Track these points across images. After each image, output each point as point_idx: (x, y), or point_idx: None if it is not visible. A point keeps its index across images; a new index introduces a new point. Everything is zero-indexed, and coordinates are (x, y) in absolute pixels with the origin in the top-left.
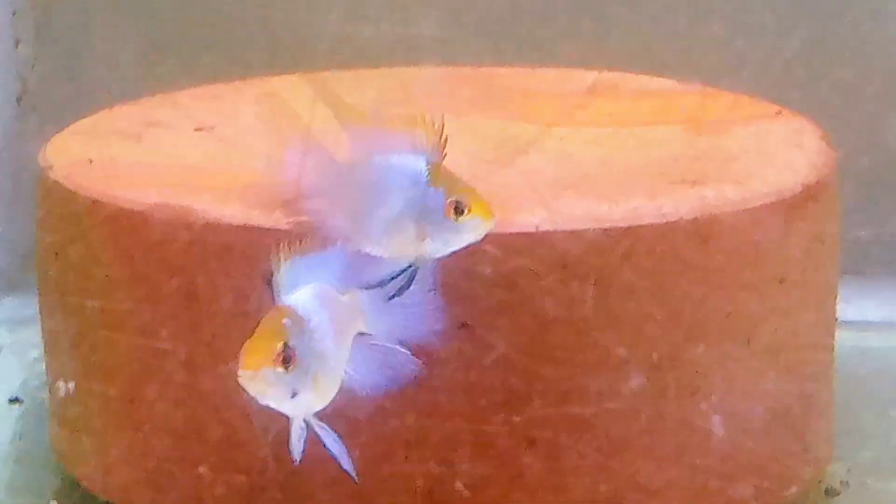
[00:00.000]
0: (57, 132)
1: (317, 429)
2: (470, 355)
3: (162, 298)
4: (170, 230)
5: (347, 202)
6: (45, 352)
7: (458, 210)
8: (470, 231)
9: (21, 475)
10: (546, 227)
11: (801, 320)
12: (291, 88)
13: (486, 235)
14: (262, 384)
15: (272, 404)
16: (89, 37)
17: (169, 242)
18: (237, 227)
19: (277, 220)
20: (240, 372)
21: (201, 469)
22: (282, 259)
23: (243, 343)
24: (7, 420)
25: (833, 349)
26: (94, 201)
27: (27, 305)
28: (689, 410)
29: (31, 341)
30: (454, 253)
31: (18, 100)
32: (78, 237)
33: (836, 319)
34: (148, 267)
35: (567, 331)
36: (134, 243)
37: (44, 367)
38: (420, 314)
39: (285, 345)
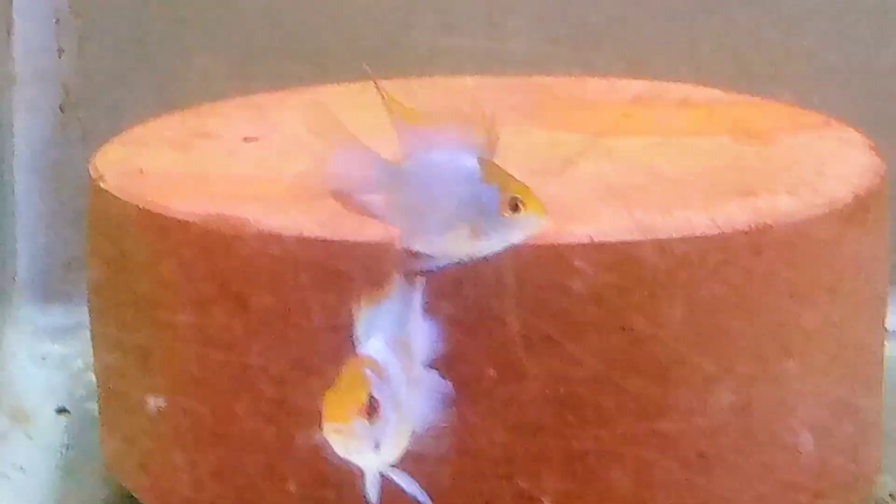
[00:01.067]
0: (103, 142)
1: (391, 475)
2: (559, 371)
3: (252, 314)
4: (257, 245)
5: (400, 201)
6: (113, 365)
7: (514, 206)
8: (525, 228)
9: (71, 486)
10: (604, 238)
11: (853, 331)
12: (336, 97)
13: (539, 233)
14: (349, 437)
15: (354, 457)
16: (133, 45)
17: (257, 257)
18: (314, 239)
19: (352, 231)
20: (325, 424)
21: (290, 485)
22: (360, 308)
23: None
24: (55, 430)
25: (883, 360)
26: (181, 221)
27: (70, 314)
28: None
29: (76, 351)
30: (505, 250)
31: (61, 109)
32: (162, 252)
33: (887, 330)
34: (238, 283)
35: (656, 346)
36: (219, 259)
37: (90, 376)
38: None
39: (370, 396)
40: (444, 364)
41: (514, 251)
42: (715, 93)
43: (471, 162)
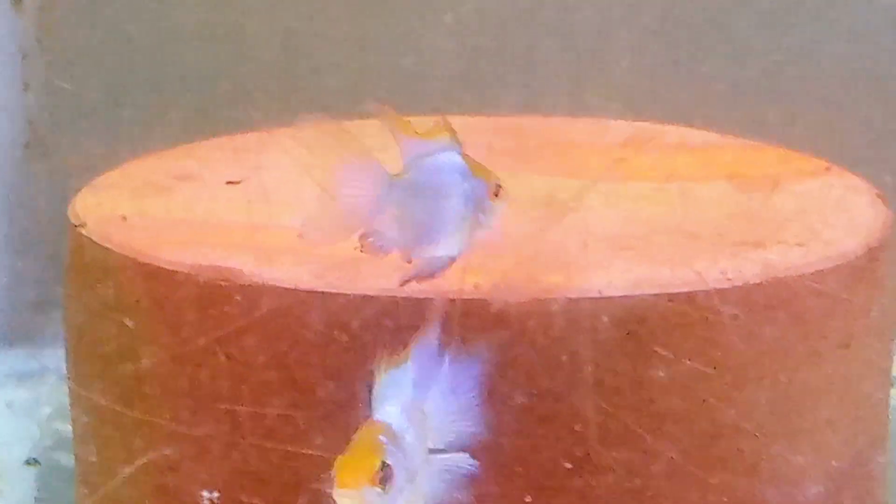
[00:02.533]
0: (69, 180)
1: None
2: (637, 464)
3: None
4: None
5: (407, 212)
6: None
7: (497, 193)
8: (500, 210)
9: None
10: (613, 292)
11: (863, 386)
12: (318, 137)
13: None
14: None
15: None
16: (101, 82)
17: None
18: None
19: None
20: (336, 491)
21: None
22: (380, 371)
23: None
24: (25, 483)
25: (888, 411)
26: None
27: (35, 358)
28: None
29: (42, 398)
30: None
31: (27, 146)
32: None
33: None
34: (301, 370)
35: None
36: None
37: (58, 426)
38: (472, 418)
39: (384, 463)
40: (517, 455)
41: (593, 336)
42: (710, 136)
43: (460, 159)
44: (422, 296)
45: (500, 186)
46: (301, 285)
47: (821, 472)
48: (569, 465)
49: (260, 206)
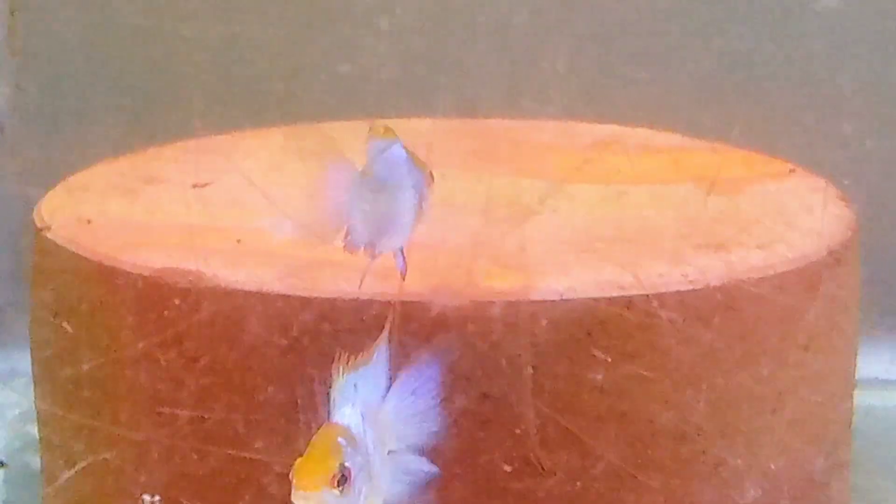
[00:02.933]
0: (38, 182)
1: None
2: (576, 466)
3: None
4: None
5: (373, 206)
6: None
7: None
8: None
9: None
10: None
11: (825, 387)
12: (279, 141)
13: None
14: None
15: None
16: (70, 84)
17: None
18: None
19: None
20: (295, 493)
21: None
22: (340, 375)
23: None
24: None
25: (852, 413)
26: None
27: (2, 359)
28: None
29: (10, 401)
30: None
31: None
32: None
33: (855, 382)
34: (244, 372)
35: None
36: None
37: (27, 428)
38: (430, 420)
39: (342, 465)
40: (458, 457)
41: (532, 340)
42: (675, 138)
43: (405, 152)
44: (361, 298)
45: (432, 175)
46: (240, 288)
47: (758, 473)
48: (509, 468)
49: (224, 209)
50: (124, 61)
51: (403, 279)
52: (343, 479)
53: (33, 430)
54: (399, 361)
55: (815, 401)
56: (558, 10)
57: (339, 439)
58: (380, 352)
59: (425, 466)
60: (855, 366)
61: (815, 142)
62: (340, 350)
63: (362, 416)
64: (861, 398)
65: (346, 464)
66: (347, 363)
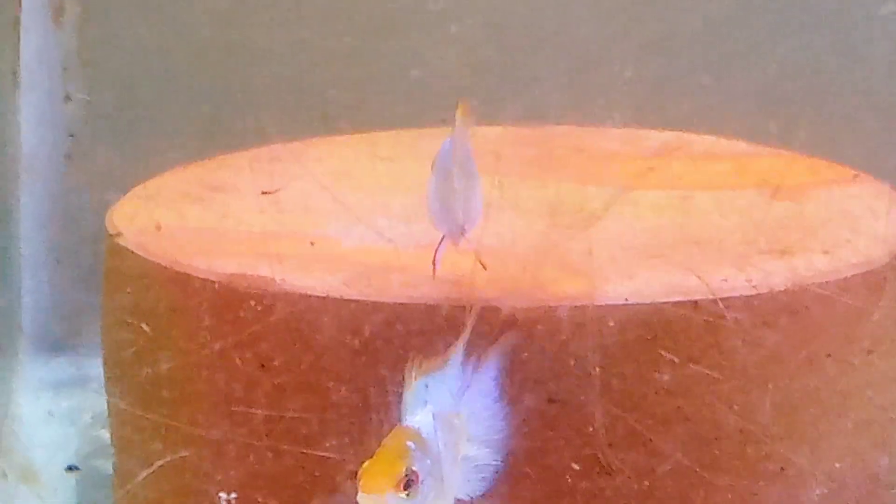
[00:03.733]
0: (109, 191)
1: None
2: (643, 465)
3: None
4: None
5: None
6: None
7: None
8: None
9: None
10: (638, 299)
11: (890, 389)
12: (348, 149)
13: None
14: None
15: None
16: (141, 94)
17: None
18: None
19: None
20: (360, 495)
21: None
22: (412, 378)
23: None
24: (66, 489)
25: None
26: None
27: (76, 366)
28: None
29: (83, 405)
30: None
31: (68, 157)
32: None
33: None
34: (317, 373)
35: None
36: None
37: (99, 432)
38: (501, 421)
39: (409, 469)
40: (527, 457)
41: (599, 342)
42: (740, 145)
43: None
44: (430, 302)
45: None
46: (313, 292)
47: (823, 474)
48: (577, 467)
49: (294, 215)
50: (194, 70)
51: (484, 268)
52: (410, 483)
53: (104, 434)
54: (470, 364)
55: (879, 403)
56: (622, 18)
57: (409, 443)
58: (453, 355)
59: (496, 464)
60: None
61: (879, 148)
62: (413, 353)
63: (434, 419)
64: None
65: (414, 468)
66: (420, 366)
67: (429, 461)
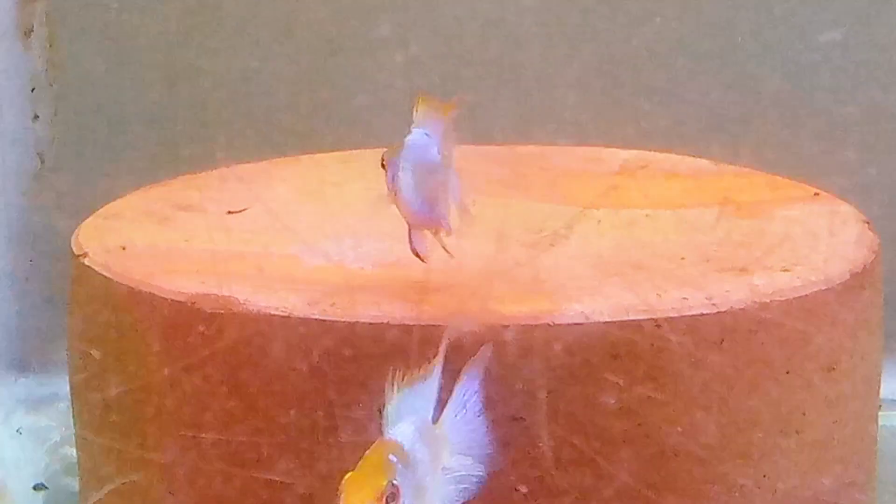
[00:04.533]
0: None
1: None
2: (589, 486)
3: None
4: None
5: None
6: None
7: None
8: None
9: None
10: (598, 318)
11: (849, 408)
12: (320, 167)
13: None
14: None
15: None
16: (108, 112)
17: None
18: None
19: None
20: None
21: None
22: (393, 391)
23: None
24: None
25: (876, 435)
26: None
27: (44, 385)
28: None
29: (51, 424)
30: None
31: (35, 176)
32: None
33: (879, 404)
34: (266, 396)
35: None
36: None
37: (65, 451)
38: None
39: (391, 482)
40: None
41: (546, 363)
42: (702, 163)
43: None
44: (380, 322)
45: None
46: (264, 312)
47: (771, 493)
48: (524, 489)
49: (256, 235)
50: (158, 91)
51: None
52: (392, 497)
53: (72, 452)
54: (450, 376)
55: (838, 422)
56: (567, 44)
57: (391, 456)
58: (433, 367)
59: (478, 475)
60: (879, 387)
61: (822, 169)
62: (393, 367)
63: (415, 431)
64: (887, 419)
65: (396, 481)
66: (401, 379)
67: (410, 474)
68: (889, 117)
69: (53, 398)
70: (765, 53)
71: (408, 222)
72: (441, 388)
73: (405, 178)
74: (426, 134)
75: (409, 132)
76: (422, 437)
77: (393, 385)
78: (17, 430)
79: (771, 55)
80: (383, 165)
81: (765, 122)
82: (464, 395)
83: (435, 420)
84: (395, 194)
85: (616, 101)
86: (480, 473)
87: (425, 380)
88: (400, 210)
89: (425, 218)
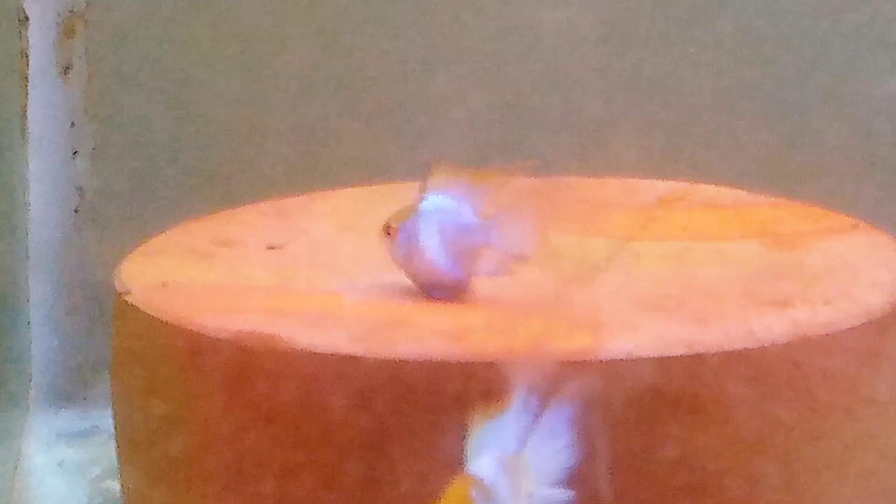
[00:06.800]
0: (117, 245)
1: None
2: None
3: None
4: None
5: None
6: None
7: None
8: None
9: None
10: (642, 353)
11: (892, 443)
12: (360, 200)
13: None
14: None
15: None
16: (148, 148)
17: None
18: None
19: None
20: None
21: None
22: (473, 423)
23: None
24: None
25: None
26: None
27: (85, 418)
28: None
29: (91, 457)
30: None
31: (76, 211)
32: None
33: None
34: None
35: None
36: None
37: (107, 484)
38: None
39: None
40: None
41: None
42: (741, 194)
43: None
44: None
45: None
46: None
47: None
48: None
49: (299, 271)
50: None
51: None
52: None
53: (113, 486)
54: (534, 408)
55: (882, 455)
56: (628, 96)
57: (472, 491)
58: (516, 399)
59: (561, 497)
60: None
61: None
62: (477, 402)
63: (499, 465)
64: None
65: None
66: (482, 412)
67: None
68: None
69: (94, 431)
70: (826, 102)
71: (426, 289)
72: (524, 421)
73: (429, 242)
74: (450, 197)
75: (423, 197)
76: (504, 469)
77: (474, 418)
78: (59, 464)
79: (829, 105)
80: (388, 232)
81: (825, 172)
82: (552, 424)
83: (518, 452)
84: (411, 259)
85: (678, 152)
86: (567, 500)
87: (505, 412)
88: (415, 276)
89: (449, 282)
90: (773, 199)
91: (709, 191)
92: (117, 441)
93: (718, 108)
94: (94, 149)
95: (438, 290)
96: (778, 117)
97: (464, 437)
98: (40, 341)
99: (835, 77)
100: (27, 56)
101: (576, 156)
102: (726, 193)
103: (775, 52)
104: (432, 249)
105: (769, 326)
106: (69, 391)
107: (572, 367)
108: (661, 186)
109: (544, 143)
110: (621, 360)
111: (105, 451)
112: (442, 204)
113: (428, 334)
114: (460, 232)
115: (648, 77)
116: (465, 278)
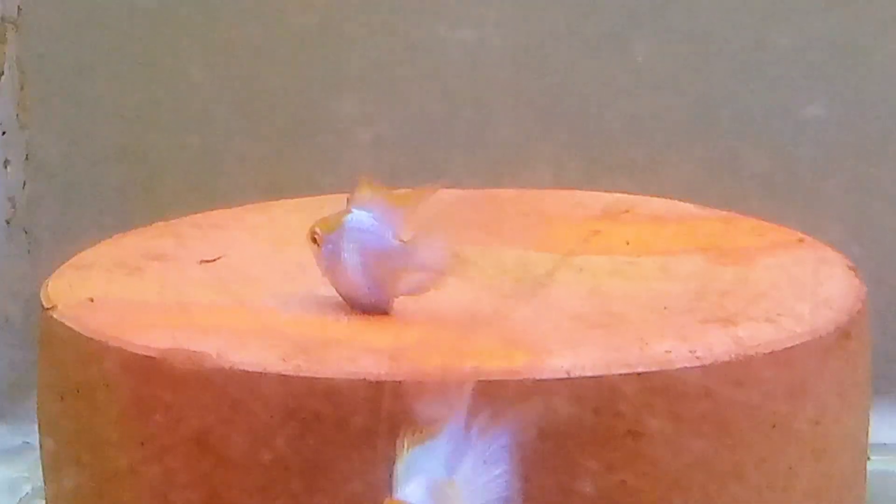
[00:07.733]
0: (56, 262)
1: None
2: None
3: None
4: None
5: None
6: None
7: None
8: None
9: None
10: (579, 373)
11: (837, 460)
12: (291, 213)
13: None
14: None
15: None
16: (80, 159)
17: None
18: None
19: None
20: None
21: None
22: (403, 449)
23: None
24: None
25: (865, 484)
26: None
27: (16, 434)
28: None
29: (23, 474)
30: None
31: (8, 222)
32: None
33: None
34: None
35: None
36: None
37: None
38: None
39: None
40: None
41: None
42: (686, 207)
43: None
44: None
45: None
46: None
47: None
48: None
49: (231, 286)
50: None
51: None
52: None
53: None
54: (467, 433)
55: (826, 474)
56: (541, 119)
57: None
58: (447, 424)
59: None
60: (868, 437)
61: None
62: (405, 426)
63: (428, 491)
64: (876, 464)
65: None
66: (411, 437)
67: None
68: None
69: (24, 448)
70: (746, 129)
71: (347, 302)
72: (454, 445)
73: (351, 260)
74: (372, 216)
75: (349, 211)
76: (432, 495)
77: (403, 442)
78: None
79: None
80: (314, 239)
81: (745, 198)
82: (485, 450)
83: (448, 477)
84: (334, 271)
85: (591, 179)
86: None
87: (437, 436)
88: (337, 288)
89: (368, 301)
90: (720, 212)
91: (654, 203)
92: (41, 459)
93: (633, 131)
94: (26, 158)
95: (360, 307)
96: (695, 140)
97: (393, 460)
98: None
99: (755, 100)
100: None
101: (485, 177)
102: (672, 206)
103: (691, 76)
104: (353, 269)
105: (711, 345)
106: (2, 408)
107: (506, 386)
108: (607, 199)
109: (454, 164)
110: (559, 379)
111: (37, 469)
112: (365, 223)
113: (361, 352)
114: (380, 256)
115: (560, 98)
116: (386, 299)
